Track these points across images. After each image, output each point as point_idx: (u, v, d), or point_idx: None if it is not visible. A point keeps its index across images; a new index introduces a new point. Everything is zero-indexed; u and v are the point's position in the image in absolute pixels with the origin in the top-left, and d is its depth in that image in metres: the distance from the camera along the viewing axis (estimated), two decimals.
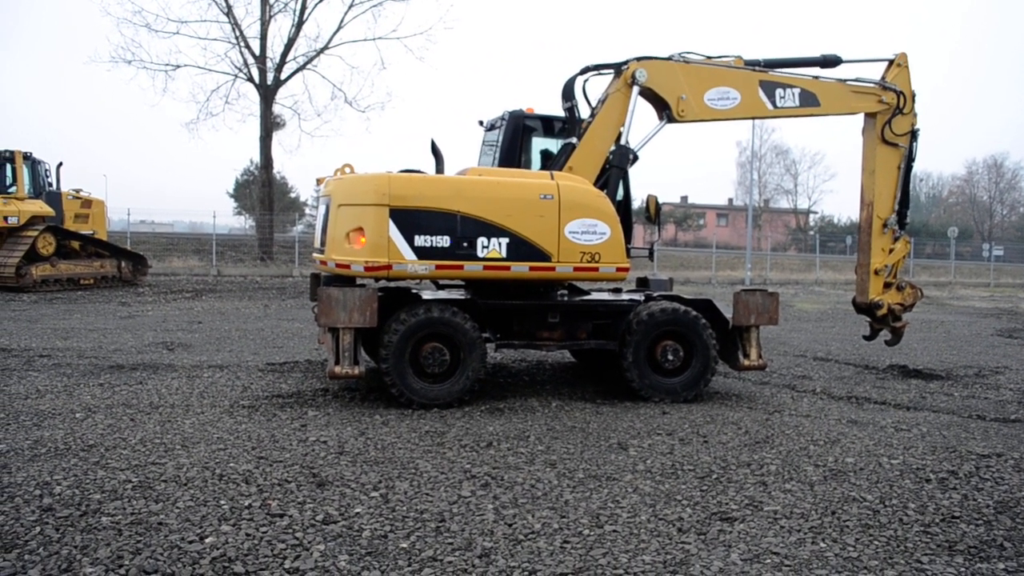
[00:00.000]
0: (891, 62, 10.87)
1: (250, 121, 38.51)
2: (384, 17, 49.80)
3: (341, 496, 5.65)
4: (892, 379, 11.89)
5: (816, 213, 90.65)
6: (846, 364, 13.17)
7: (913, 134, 10.91)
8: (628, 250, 9.83)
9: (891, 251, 11.09)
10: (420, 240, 8.42)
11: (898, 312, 11.23)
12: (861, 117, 11.04)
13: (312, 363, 11.46)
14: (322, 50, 37.28)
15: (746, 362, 9.72)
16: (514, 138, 10.34)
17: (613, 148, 9.71)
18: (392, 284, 9.71)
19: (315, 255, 9.53)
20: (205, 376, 10.21)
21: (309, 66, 37.54)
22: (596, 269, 8.97)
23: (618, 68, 9.80)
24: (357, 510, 5.39)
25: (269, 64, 36.78)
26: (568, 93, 9.84)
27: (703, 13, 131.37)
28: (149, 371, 10.48)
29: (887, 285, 11.14)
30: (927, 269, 52.53)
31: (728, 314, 9.81)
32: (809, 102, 10.35)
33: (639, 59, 9.73)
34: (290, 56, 37.02)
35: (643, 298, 9.77)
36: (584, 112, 9.91)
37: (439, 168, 9.31)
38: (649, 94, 9.85)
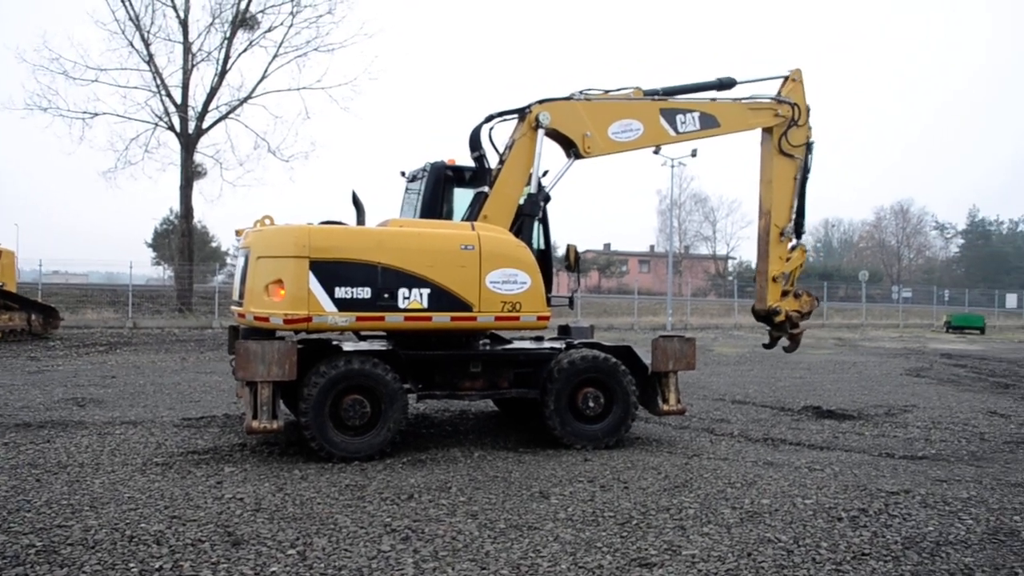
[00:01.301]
0: (786, 78, 11.31)
1: (170, 170, 37.91)
2: (309, 67, 49.70)
3: (257, 555, 5.52)
4: (807, 420, 12.20)
5: (735, 259, 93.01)
6: (763, 406, 13.46)
7: (808, 147, 11.31)
8: (549, 299, 9.91)
9: (788, 259, 11.41)
10: (341, 292, 8.37)
11: (795, 319, 11.47)
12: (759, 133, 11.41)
13: (230, 417, 11.20)
14: (245, 99, 37.03)
15: (665, 407, 9.86)
16: (435, 189, 10.38)
17: (524, 197, 9.83)
18: (312, 336, 9.60)
19: (233, 308, 9.38)
20: (117, 433, 9.89)
21: (232, 115, 37.22)
22: (517, 318, 9.04)
23: (522, 113, 9.96)
24: (273, 569, 5.26)
25: (191, 113, 36.32)
26: (475, 142, 9.95)
27: (624, 49, 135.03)
28: (58, 429, 10.10)
29: (785, 293, 11.41)
30: (840, 312, 54.23)
31: (647, 360, 9.96)
32: (709, 124, 10.68)
33: (540, 102, 9.90)
34: (212, 105, 36.68)
35: (564, 346, 9.86)
36: (493, 160, 10.04)
37: (360, 220, 9.30)
38: (555, 134, 10.03)
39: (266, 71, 36.91)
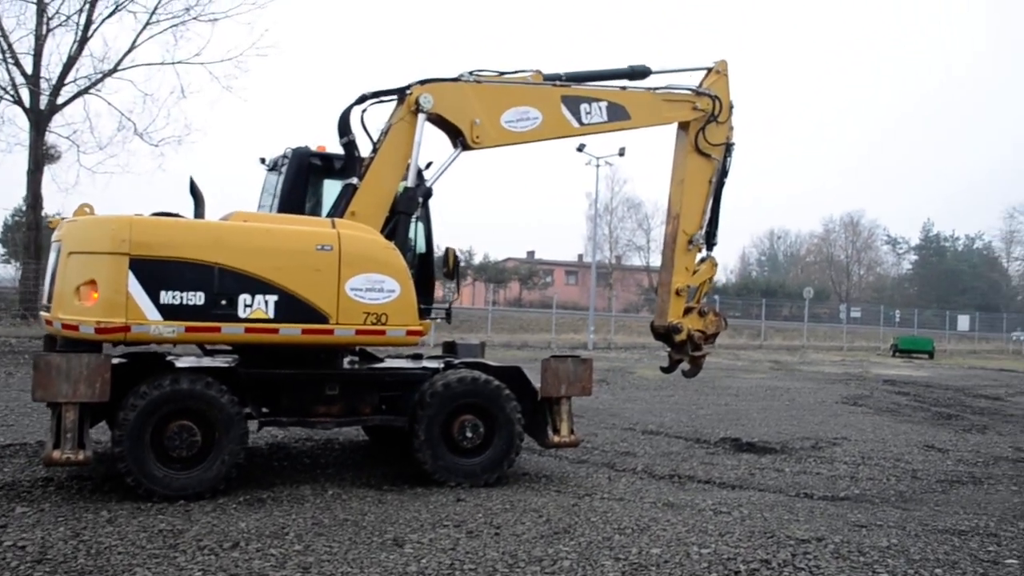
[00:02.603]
0: (710, 70, 11.19)
1: (17, 151, 36.25)
2: (186, 39, 47.81)
3: None
4: (723, 454, 12.12)
5: None
6: (676, 437, 13.35)
7: (728, 148, 11.23)
8: (428, 310, 9.60)
9: (696, 272, 11.29)
10: (167, 297, 7.87)
11: (698, 340, 11.26)
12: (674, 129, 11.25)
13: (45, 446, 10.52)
14: (110, 72, 35.65)
15: (556, 438, 9.60)
16: (297, 179, 9.99)
17: (400, 191, 9.49)
18: (142, 350, 9.07)
19: (43, 313, 8.78)
20: None
21: (93, 90, 35.78)
22: (383, 332, 8.68)
23: (401, 94, 9.58)
24: None
25: (43, 86, 34.82)
26: (344, 126, 9.55)
27: (556, 32, 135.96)
28: None
29: (689, 309, 11.23)
30: (781, 332, 55.35)
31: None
32: (618, 116, 10.48)
33: (423, 82, 9.54)
34: (70, 78, 35.15)
35: (442, 366, 9.52)
36: (366, 148, 9.67)
37: (198, 212, 8.84)
38: (439, 120, 9.69)
39: (135, 41, 35.61)
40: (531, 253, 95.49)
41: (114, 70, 35.60)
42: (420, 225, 10.30)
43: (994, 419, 17.75)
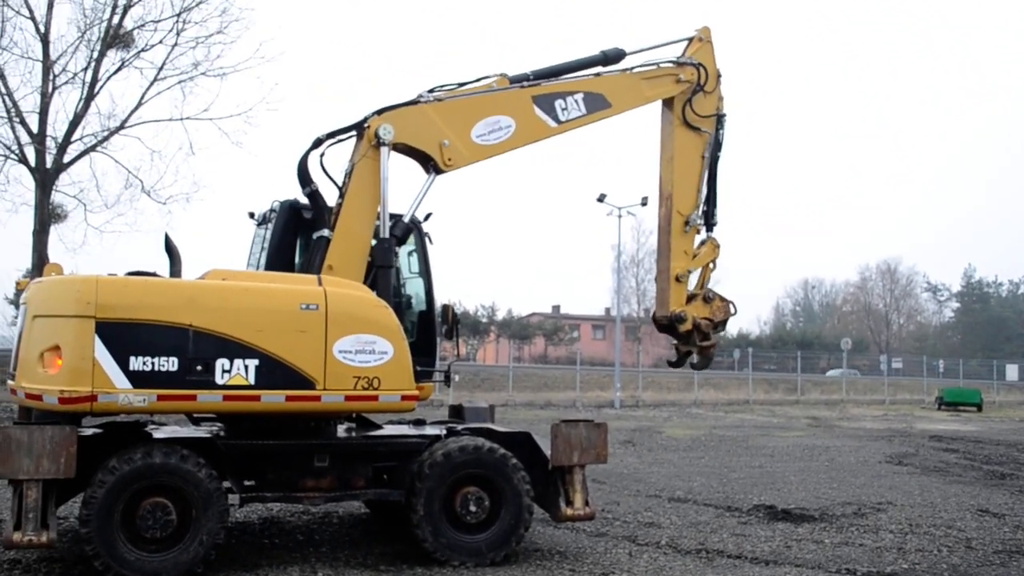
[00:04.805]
0: (691, 39, 10.76)
1: (23, 211, 36.35)
2: (195, 94, 47.84)
3: None
4: (756, 523, 11.48)
5: None
6: (706, 505, 12.72)
7: (719, 120, 10.76)
8: (429, 372, 9.17)
9: (696, 256, 10.79)
10: (137, 363, 7.51)
11: (705, 328, 10.70)
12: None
13: None
14: (117, 130, 35.86)
15: (569, 511, 9.04)
16: (285, 234, 9.63)
17: (373, 243, 9.09)
18: (120, 419, 8.66)
19: (8, 381, 8.41)
20: None
21: (99, 148, 35.99)
22: (375, 398, 8.25)
23: (359, 129, 9.21)
24: None
25: (49, 144, 35.07)
26: (304, 176, 9.23)
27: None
28: None
29: (692, 297, 10.71)
30: (819, 385, 54.34)
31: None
32: (597, 105, 10.08)
33: (379, 112, 9.15)
34: (76, 135, 35.38)
35: (443, 432, 9.03)
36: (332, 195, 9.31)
37: (174, 270, 8.48)
38: (406, 149, 9.31)
39: (143, 97, 35.91)
40: (556, 307, 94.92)
41: (121, 127, 35.81)
42: (420, 280, 9.93)
43: None
